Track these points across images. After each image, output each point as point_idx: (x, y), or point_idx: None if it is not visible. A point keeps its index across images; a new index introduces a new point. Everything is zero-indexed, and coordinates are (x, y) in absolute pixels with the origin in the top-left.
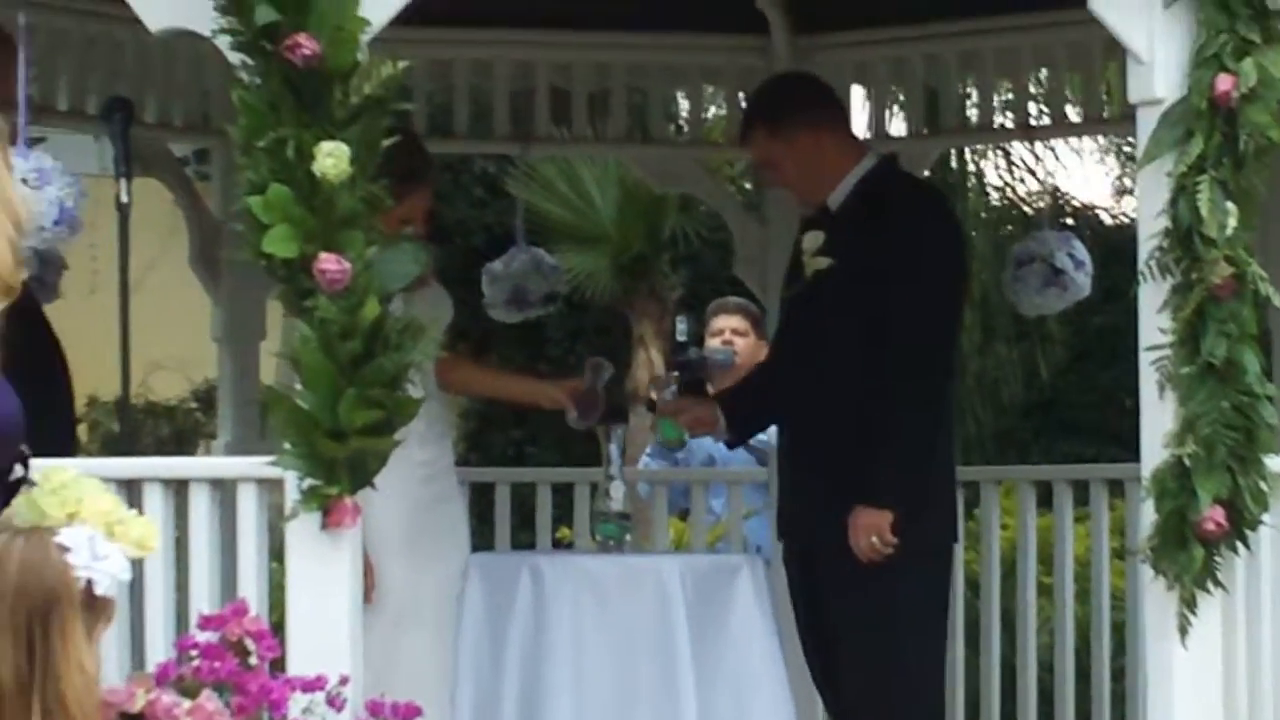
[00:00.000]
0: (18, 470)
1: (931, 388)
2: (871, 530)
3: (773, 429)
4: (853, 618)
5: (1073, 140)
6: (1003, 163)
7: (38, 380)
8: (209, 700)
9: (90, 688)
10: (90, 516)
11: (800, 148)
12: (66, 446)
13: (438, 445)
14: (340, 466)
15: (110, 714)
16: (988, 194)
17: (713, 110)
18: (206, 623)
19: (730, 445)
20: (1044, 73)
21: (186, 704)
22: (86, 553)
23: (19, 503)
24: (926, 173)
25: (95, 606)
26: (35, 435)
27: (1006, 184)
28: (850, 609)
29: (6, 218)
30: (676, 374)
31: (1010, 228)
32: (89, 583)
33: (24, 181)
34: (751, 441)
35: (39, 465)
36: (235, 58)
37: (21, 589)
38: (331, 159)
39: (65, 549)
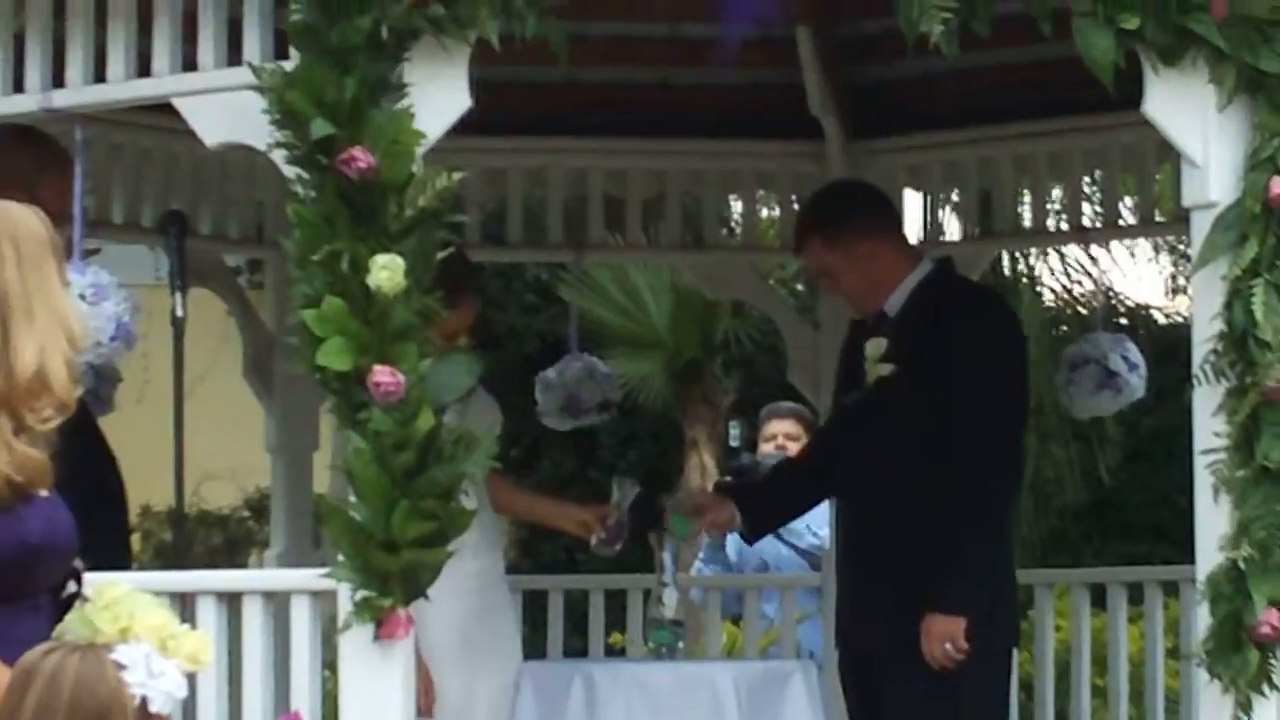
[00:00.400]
0: (71, 586)
1: (1001, 489)
2: (946, 637)
3: (825, 532)
4: (913, 718)
5: (1126, 240)
6: (1056, 264)
7: (92, 494)
8: None
9: None
10: (143, 632)
11: (857, 257)
12: (121, 560)
13: (490, 555)
14: (393, 578)
15: None
16: (1040, 295)
17: (765, 214)
18: None
19: (748, 542)
20: (1097, 174)
21: None
22: (143, 670)
23: (72, 619)
24: (979, 275)
25: None
26: (90, 549)
27: (1060, 285)
28: (910, 711)
29: (63, 335)
30: (728, 478)
31: (1064, 329)
32: (144, 700)
33: (81, 297)
34: (804, 545)
35: (92, 580)
36: (290, 171)
37: (75, 705)
38: (386, 272)
39: (121, 666)
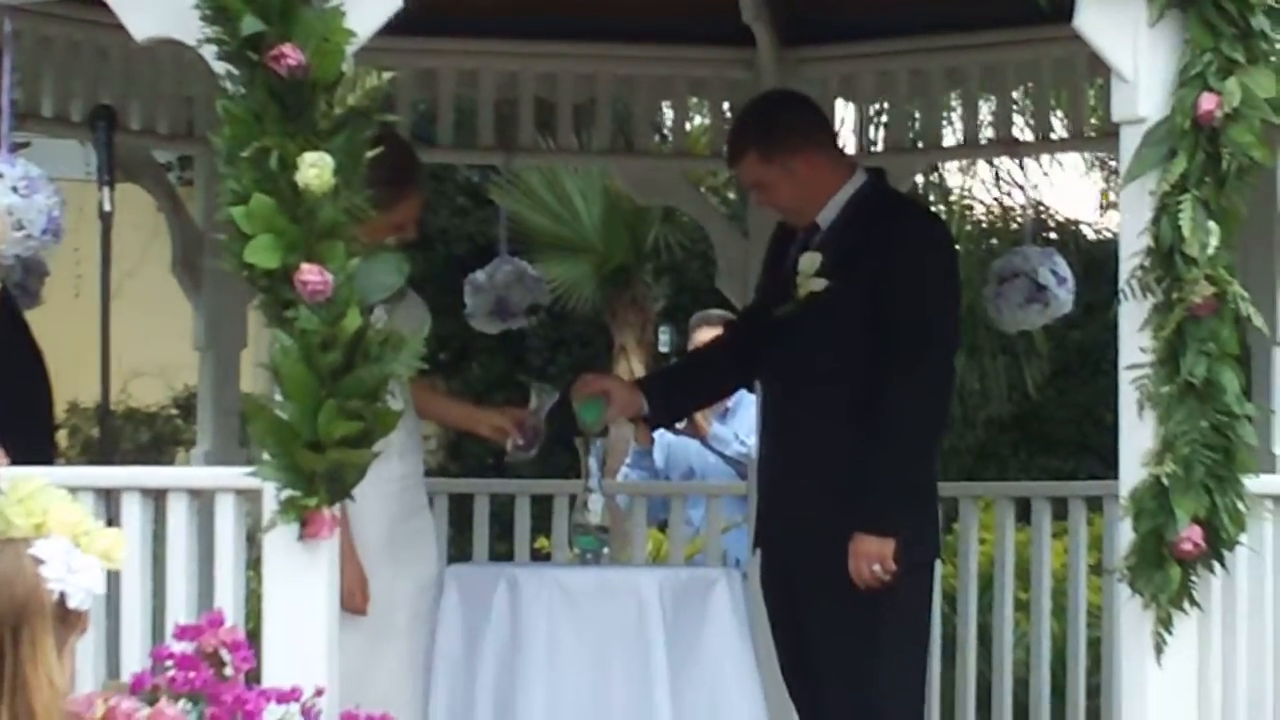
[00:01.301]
0: None
1: (934, 408)
2: (874, 558)
3: (752, 441)
4: (835, 632)
5: (1057, 155)
6: (986, 177)
7: (15, 388)
8: (168, 706)
9: (58, 699)
10: (57, 527)
11: (792, 170)
12: (44, 455)
13: (414, 457)
14: (318, 478)
15: None
16: (970, 209)
17: (697, 121)
18: (182, 633)
19: (650, 427)
20: (1029, 88)
21: (146, 710)
22: (61, 565)
23: None
24: (908, 189)
25: (68, 619)
26: (10, 444)
27: (991, 199)
28: (833, 622)
29: None
30: None
31: (993, 242)
32: (62, 595)
33: (14, 190)
34: (731, 453)
35: (6, 474)
36: (220, 67)
37: None
38: (315, 170)
39: (40, 561)
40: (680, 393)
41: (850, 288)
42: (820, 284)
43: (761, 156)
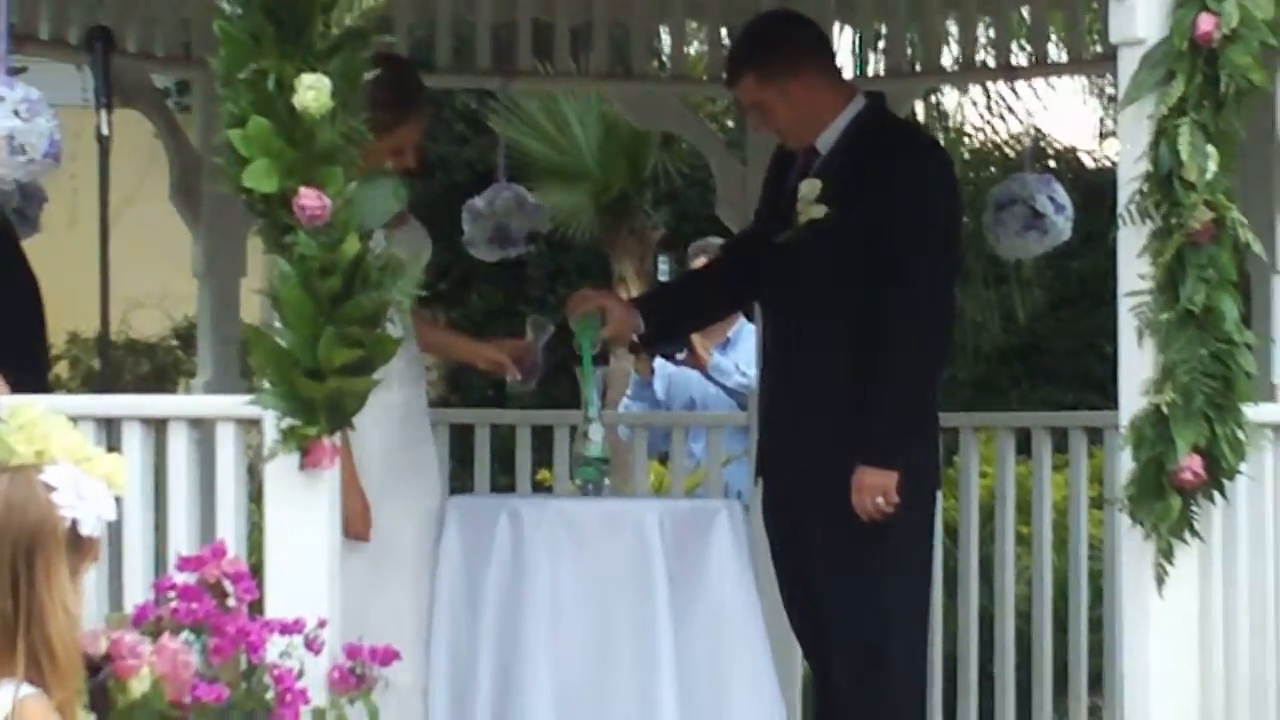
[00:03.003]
0: None
1: (934, 339)
2: (877, 491)
3: (753, 372)
4: (837, 562)
5: (1055, 80)
6: (983, 103)
7: (8, 316)
8: (172, 640)
9: (73, 627)
10: (58, 453)
11: (791, 93)
12: (40, 383)
13: (415, 386)
14: (319, 406)
15: None
16: (968, 135)
17: (695, 46)
18: (184, 564)
19: (646, 346)
20: (1026, 11)
21: (149, 645)
22: (72, 491)
23: None
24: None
25: (80, 546)
26: (5, 371)
27: (987, 125)
28: (835, 554)
29: None
30: None
31: (991, 170)
32: (74, 522)
33: (15, 113)
34: (732, 384)
35: (7, 401)
36: None
37: (5, 527)
38: (312, 92)
39: (51, 488)
40: (676, 313)
41: (850, 215)
42: (820, 211)
43: (759, 78)
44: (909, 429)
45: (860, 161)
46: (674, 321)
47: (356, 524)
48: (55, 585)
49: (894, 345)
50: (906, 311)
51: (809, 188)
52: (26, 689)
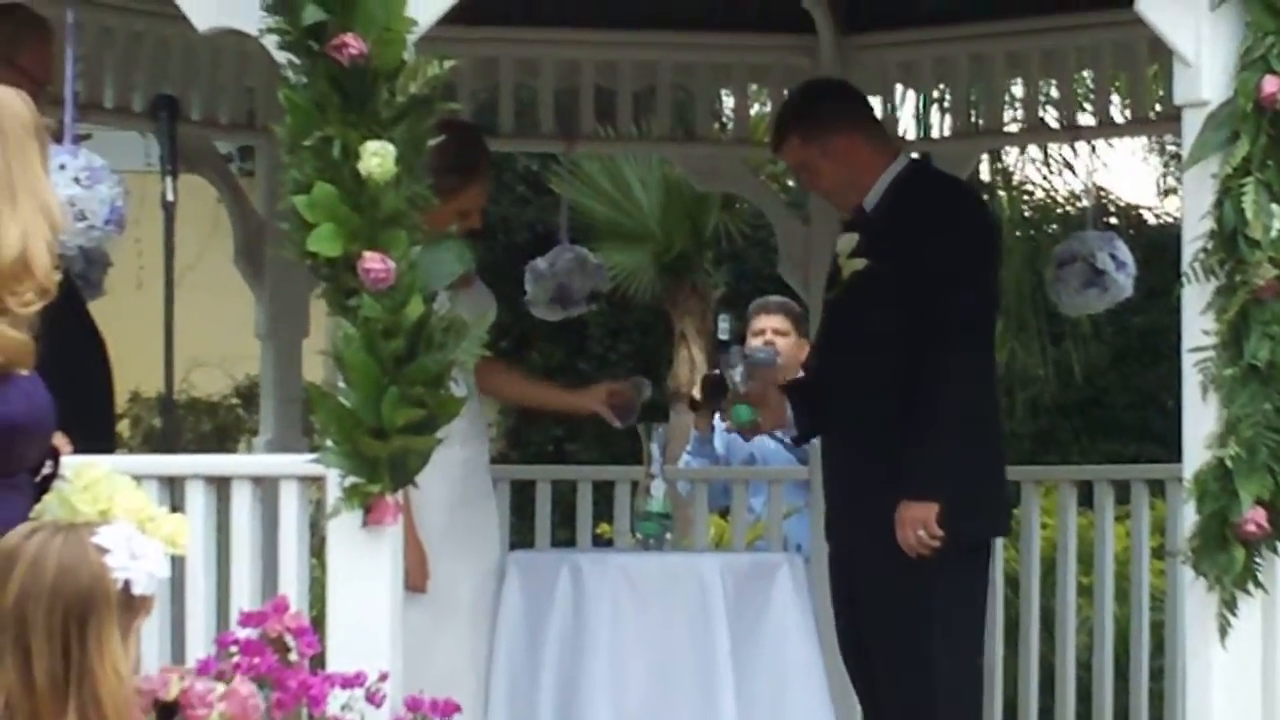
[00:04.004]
0: (48, 467)
1: (972, 380)
2: (918, 523)
3: None
4: (887, 613)
5: (1117, 139)
6: (1043, 161)
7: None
8: (242, 685)
9: (125, 688)
10: (121, 514)
11: (833, 151)
12: (104, 444)
13: (476, 443)
14: (382, 464)
15: (145, 702)
16: (1031, 193)
17: (757, 108)
18: (247, 619)
19: (796, 442)
20: (1089, 73)
21: (220, 688)
22: (124, 552)
23: (49, 500)
24: (971, 172)
25: (133, 605)
26: (71, 432)
27: (1050, 184)
28: (885, 604)
29: (45, 219)
30: (717, 371)
31: (1054, 227)
32: (126, 583)
33: (76, 180)
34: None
35: (71, 462)
36: (282, 57)
37: (58, 590)
38: (377, 158)
39: (104, 550)
40: (822, 409)
41: (887, 264)
42: (860, 263)
43: (802, 138)
44: (948, 465)
45: (899, 213)
46: (820, 418)
47: (414, 574)
48: (107, 648)
49: (929, 387)
50: (940, 354)
51: (845, 242)
52: None
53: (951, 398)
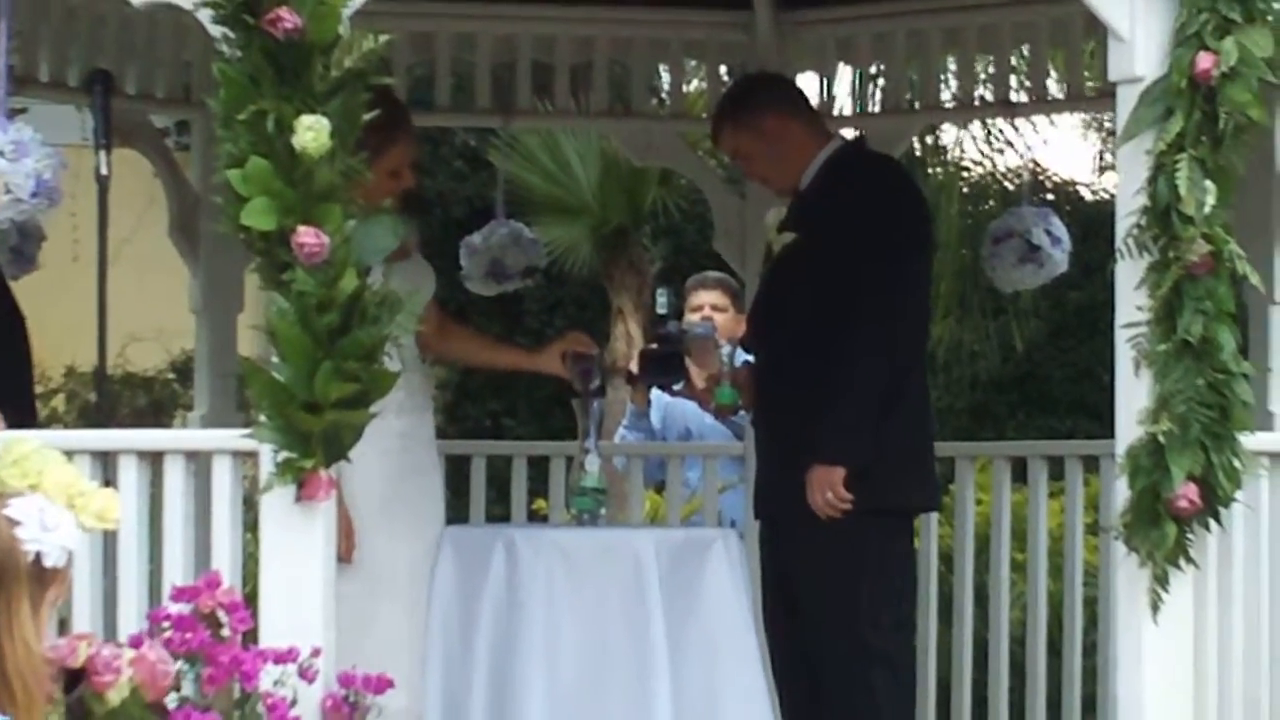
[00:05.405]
0: None
1: (885, 351)
2: (825, 486)
3: None
4: (817, 582)
5: (1054, 116)
6: (982, 138)
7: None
8: (150, 650)
9: (33, 659)
10: (51, 488)
11: (766, 135)
12: (26, 418)
13: (417, 416)
14: (315, 439)
15: (53, 669)
16: (967, 169)
17: (694, 84)
18: (179, 594)
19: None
20: (1025, 49)
21: (129, 654)
22: (36, 525)
23: None
24: (906, 149)
25: (44, 578)
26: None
27: (986, 159)
28: (814, 574)
29: None
30: (654, 346)
31: (990, 203)
32: (38, 555)
33: (1, 154)
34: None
35: (2, 437)
36: (217, 30)
37: None
38: (311, 133)
39: (14, 522)
40: None
41: (813, 238)
42: (788, 238)
43: (735, 124)
44: (854, 428)
45: (829, 190)
46: None
47: (341, 545)
48: (17, 621)
49: (846, 358)
50: (861, 319)
51: (773, 216)
52: None
53: (864, 368)
